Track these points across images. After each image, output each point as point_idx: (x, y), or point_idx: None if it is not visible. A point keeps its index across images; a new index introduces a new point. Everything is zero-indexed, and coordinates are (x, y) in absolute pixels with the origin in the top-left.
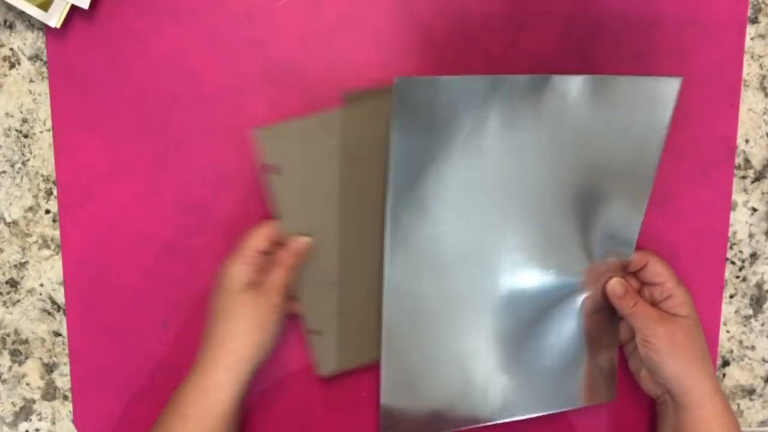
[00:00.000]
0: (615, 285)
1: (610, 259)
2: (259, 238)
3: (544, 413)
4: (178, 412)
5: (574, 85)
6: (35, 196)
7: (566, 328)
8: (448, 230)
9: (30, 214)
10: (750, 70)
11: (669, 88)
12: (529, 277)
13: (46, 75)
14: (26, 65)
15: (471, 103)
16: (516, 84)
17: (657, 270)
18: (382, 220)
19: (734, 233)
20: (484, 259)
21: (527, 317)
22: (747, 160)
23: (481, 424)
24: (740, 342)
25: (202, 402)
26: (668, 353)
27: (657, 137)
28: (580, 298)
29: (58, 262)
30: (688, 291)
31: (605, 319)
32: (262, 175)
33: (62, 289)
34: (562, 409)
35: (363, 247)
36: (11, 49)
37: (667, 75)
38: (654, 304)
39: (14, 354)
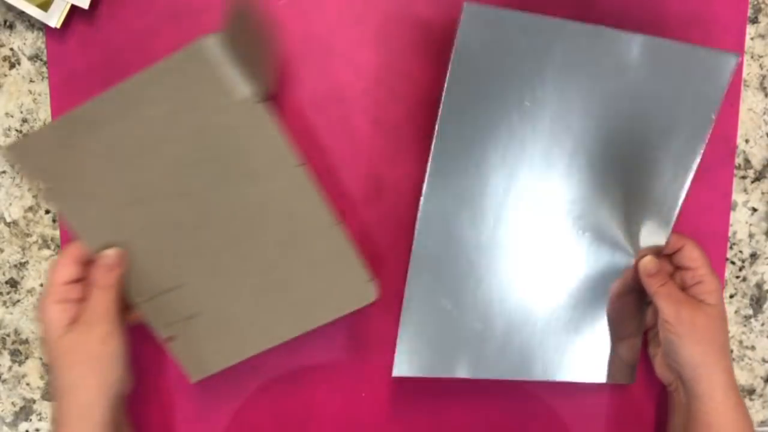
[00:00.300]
0: (648, 262)
1: (647, 238)
2: (63, 267)
3: (557, 380)
4: None
5: (632, 43)
6: (35, 196)
7: (594, 299)
8: (491, 173)
9: (30, 214)
10: (750, 70)
11: (726, 62)
12: (564, 235)
13: (46, 75)
14: (26, 65)
15: (533, 44)
16: (577, 33)
17: (693, 255)
18: (197, 205)
19: (734, 233)
20: (522, 209)
21: (556, 277)
22: (747, 160)
23: (494, 378)
24: (740, 342)
25: None
26: (687, 337)
27: (707, 112)
28: (613, 272)
29: None
30: (720, 281)
31: (634, 301)
32: (40, 199)
33: None
34: (576, 380)
35: (186, 240)
36: (11, 49)
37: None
38: (683, 289)
39: (14, 354)
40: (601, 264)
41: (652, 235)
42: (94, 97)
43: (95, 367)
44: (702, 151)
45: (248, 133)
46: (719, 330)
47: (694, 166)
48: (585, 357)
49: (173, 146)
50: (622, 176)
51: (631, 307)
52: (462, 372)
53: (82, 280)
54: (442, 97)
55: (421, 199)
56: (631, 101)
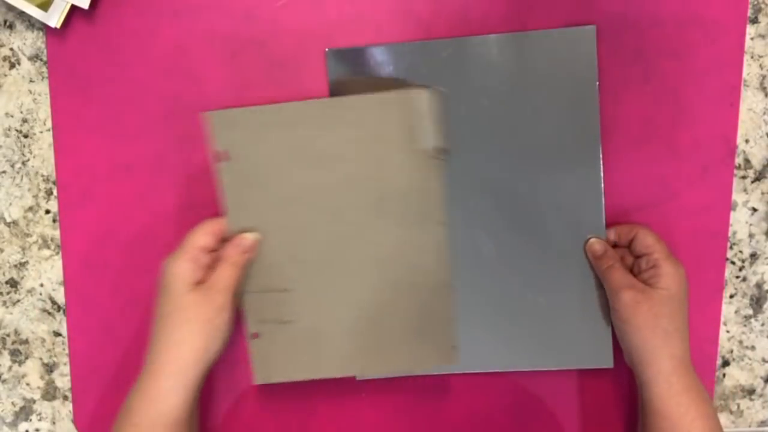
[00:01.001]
0: (593, 244)
1: (585, 221)
2: (203, 235)
3: (538, 369)
4: (129, 420)
5: (490, 44)
6: (35, 196)
7: (559, 286)
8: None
9: (30, 214)
10: (750, 70)
11: (586, 37)
12: (513, 224)
13: (46, 75)
14: (26, 65)
15: (397, 69)
16: (435, 48)
17: (646, 241)
18: (340, 225)
19: (734, 233)
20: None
21: (525, 270)
22: (747, 160)
23: (466, 372)
24: (740, 342)
25: (151, 410)
26: (629, 322)
27: (589, 92)
28: (568, 258)
29: (58, 262)
30: (681, 266)
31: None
32: (213, 163)
33: (62, 289)
34: (555, 368)
35: (314, 252)
36: (11, 49)
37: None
38: (638, 274)
39: (14, 354)
40: (557, 251)
41: (590, 218)
42: (302, 101)
43: (206, 330)
44: (598, 125)
45: (415, 181)
46: (668, 314)
47: (598, 163)
48: (559, 344)
49: (346, 167)
50: (540, 167)
51: (594, 289)
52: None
53: (214, 251)
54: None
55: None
56: (513, 100)
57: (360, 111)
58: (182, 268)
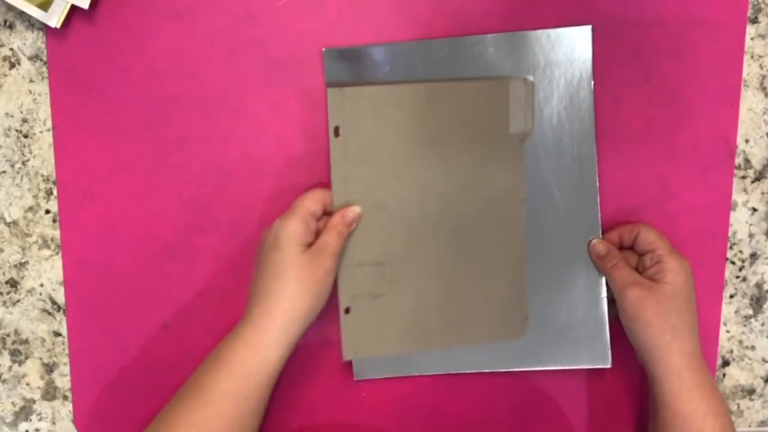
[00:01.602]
0: (596, 244)
1: (581, 221)
2: (313, 201)
3: (537, 369)
4: (224, 366)
5: (487, 43)
6: (35, 196)
7: (553, 285)
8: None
9: (30, 214)
10: (750, 70)
11: (582, 37)
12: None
13: (46, 75)
14: (26, 65)
15: (395, 69)
16: (433, 48)
17: (648, 238)
18: (431, 202)
19: (734, 233)
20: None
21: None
22: (747, 160)
23: (463, 372)
24: (740, 342)
25: (251, 359)
26: (637, 320)
27: (585, 92)
28: (567, 259)
29: (58, 262)
30: (685, 261)
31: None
32: (331, 137)
33: (62, 289)
34: (554, 367)
35: (406, 227)
36: (11, 49)
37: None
38: (643, 271)
39: (14, 354)
40: (554, 251)
41: (586, 218)
42: (414, 83)
43: (315, 291)
44: (594, 126)
45: (502, 161)
46: (674, 310)
47: (593, 140)
48: (557, 343)
49: (444, 147)
50: (536, 167)
51: (592, 289)
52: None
53: (318, 220)
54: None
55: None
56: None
57: (464, 95)
58: (298, 228)
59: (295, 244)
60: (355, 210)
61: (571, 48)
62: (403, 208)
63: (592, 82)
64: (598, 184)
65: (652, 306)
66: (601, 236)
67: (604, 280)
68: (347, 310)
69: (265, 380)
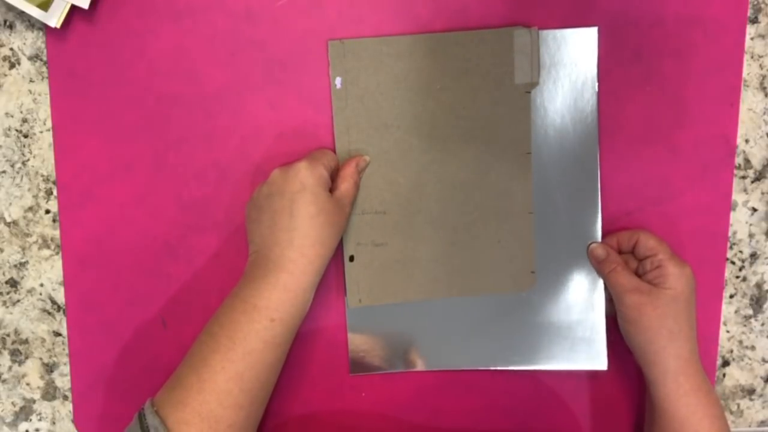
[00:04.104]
0: (596, 248)
1: (583, 224)
2: (327, 152)
3: (532, 368)
4: (266, 316)
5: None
6: (35, 196)
7: (550, 287)
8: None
9: (30, 214)
10: (750, 70)
11: (587, 39)
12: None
13: (46, 75)
14: (26, 65)
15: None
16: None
17: (649, 244)
18: (433, 151)
19: (734, 233)
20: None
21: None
22: (747, 160)
23: (456, 368)
24: (740, 342)
25: (291, 305)
26: (634, 323)
27: (588, 95)
28: (568, 260)
29: (58, 262)
30: (686, 266)
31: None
32: (333, 92)
33: (62, 289)
34: (549, 368)
35: (408, 176)
36: (11, 49)
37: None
38: (644, 275)
39: (14, 354)
40: (554, 252)
41: (586, 221)
42: (412, 35)
43: (339, 236)
44: (597, 129)
45: (507, 112)
46: (672, 315)
47: (596, 143)
48: (554, 344)
49: (447, 97)
50: (537, 168)
51: (589, 291)
52: (420, 365)
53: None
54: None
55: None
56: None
57: (466, 45)
58: (324, 174)
59: (324, 188)
60: (366, 159)
61: (576, 49)
62: (404, 158)
63: (597, 84)
64: (599, 186)
65: (650, 311)
66: (600, 239)
67: (602, 283)
68: (351, 258)
69: (299, 323)
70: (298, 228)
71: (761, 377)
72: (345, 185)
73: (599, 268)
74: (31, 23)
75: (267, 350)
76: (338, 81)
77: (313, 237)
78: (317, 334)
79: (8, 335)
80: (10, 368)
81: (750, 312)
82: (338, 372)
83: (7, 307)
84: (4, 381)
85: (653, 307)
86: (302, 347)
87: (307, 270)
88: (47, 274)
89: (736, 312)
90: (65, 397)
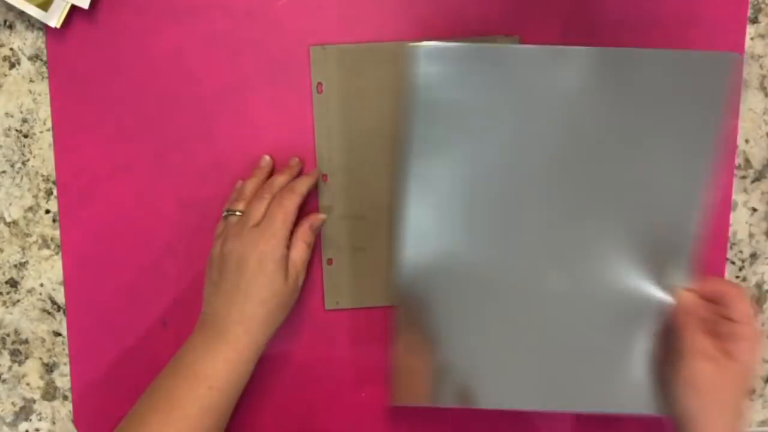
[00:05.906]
0: (686, 296)
1: (664, 265)
2: (291, 220)
3: (563, 410)
4: (204, 383)
5: (588, 56)
6: (35, 196)
7: (597, 324)
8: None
9: (30, 214)
10: (750, 70)
11: (724, 64)
12: (574, 258)
13: (46, 75)
14: (26, 65)
15: (488, 73)
16: (532, 54)
17: (740, 308)
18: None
19: (734, 233)
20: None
21: (557, 306)
22: (747, 160)
23: (509, 409)
24: None
25: (230, 375)
26: (689, 388)
27: (711, 120)
28: (627, 299)
29: (58, 262)
30: (762, 341)
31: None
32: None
33: (62, 289)
34: (595, 411)
35: (384, 181)
36: (11, 49)
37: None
38: (716, 335)
39: (14, 354)
40: (617, 292)
41: (672, 261)
42: (394, 42)
43: (286, 310)
44: (711, 167)
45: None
46: (731, 388)
47: (705, 184)
48: (601, 386)
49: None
50: (628, 200)
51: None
52: (471, 402)
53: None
54: (406, 135)
55: (403, 223)
56: (612, 116)
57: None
58: (284, 254)
59: (281, 270)
60: (321, 217)
61: (706, 74)
62: (384, 164)
63: (721, 120)
64: (700, 234)
65: (712, 380)
66: (689, 284)
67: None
68: (329, 261)
69: (239, 393)
70: (247, 310)
71: (761, 377)
72: (296, 252)
73: (679, 317)
74: (31, 23)
75: (204, 416)
76: (319, 86)
77: (261, 318)
78: (318, 336)
79: (8, 335)
80: (10, 368)
81: None
82: (339, 372)
83: (7, 307)
84: (4, 381)
85: (721, 380)
86: (302, 348)
87: (251, 346)
88: (47, 274)
89: None
90: (65, 397)
